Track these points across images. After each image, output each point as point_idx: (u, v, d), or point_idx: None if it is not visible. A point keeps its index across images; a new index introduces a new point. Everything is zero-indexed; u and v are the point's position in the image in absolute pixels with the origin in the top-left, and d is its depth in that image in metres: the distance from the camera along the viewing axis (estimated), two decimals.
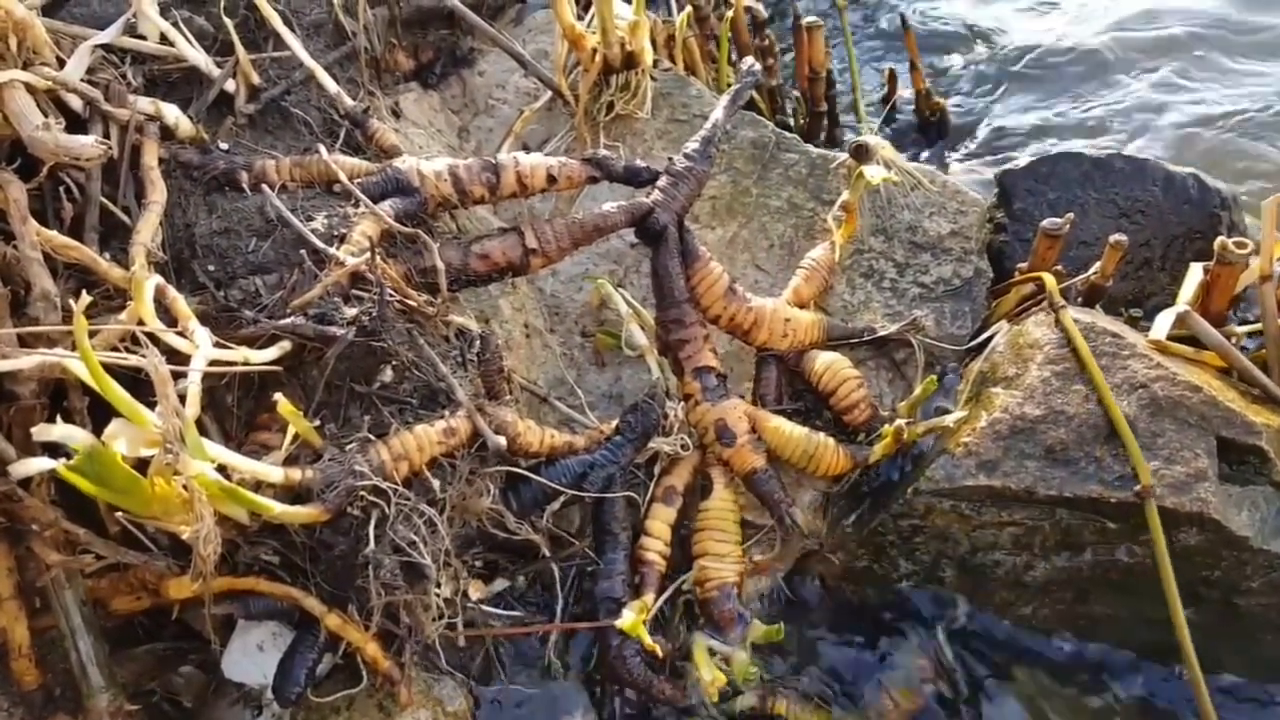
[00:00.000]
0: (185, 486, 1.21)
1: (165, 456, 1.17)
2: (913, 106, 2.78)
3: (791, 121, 2.63)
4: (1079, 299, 1.86)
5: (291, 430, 1.36)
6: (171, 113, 1.63)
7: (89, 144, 1.41)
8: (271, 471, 1.30)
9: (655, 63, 2.03)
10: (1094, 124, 2.45)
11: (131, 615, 1.53)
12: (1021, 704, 1.72)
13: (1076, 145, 2.12)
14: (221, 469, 1.24)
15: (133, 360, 1.24)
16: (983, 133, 2.55)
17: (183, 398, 1.25)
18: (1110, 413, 1.55)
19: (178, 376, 1.27)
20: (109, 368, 1.25)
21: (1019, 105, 2.61)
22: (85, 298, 1.10)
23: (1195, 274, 1.78)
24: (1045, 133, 2.50)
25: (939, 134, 2.70)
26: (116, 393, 1.16)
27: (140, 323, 1.33)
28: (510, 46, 2.00)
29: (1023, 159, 2.12)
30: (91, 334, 1.34)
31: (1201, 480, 1.52)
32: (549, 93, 2.02)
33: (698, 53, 2.24)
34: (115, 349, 1.32)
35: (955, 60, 2.84)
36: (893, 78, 2.79)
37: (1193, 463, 1.53)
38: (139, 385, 1.22)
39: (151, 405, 1.19)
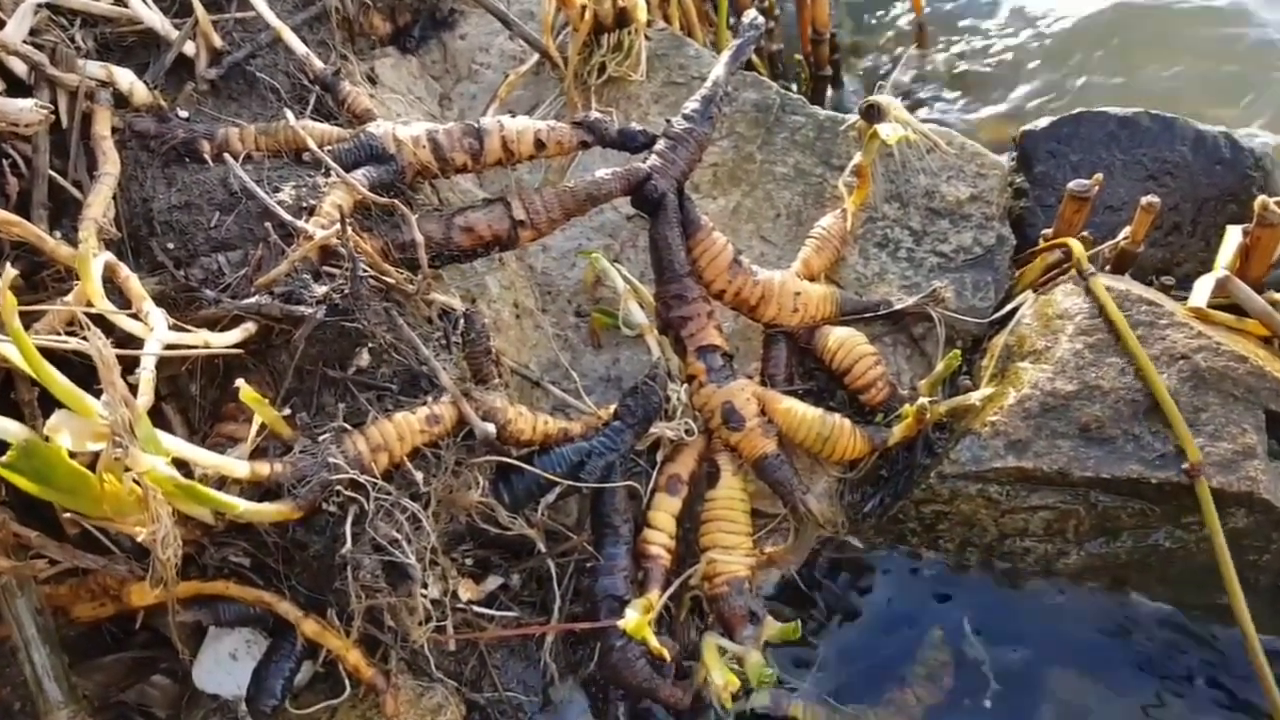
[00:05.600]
0: (138, 483, 1.10)
1: (114, 450, 1.06)
2: (920, 68, 2.65)
3: (794, 87, 2.51)
4: (1106, 266, 1.75)
5: (258, 420, 1.24)
6: (125, 78, 1.51)
7: (28, 108, 1.29)
8: (236, 465, 1.19)
9: (649, 23, 1.91)
10: (1119, 82, 2.32)
11: (96, 622, 1.43)
12: (1050, 698, 1.62)
13: (1100, 104, 1.99)
14: (180, 463, 1.13)
15: (75, 344, 1.12)
16: (997, 93, 2.42)
17: (135, 387, 1.13)
18: (1152, 385, 1.44)
19: (131, 362, 1.16)
20: (55, 354, 1.14)
21: (1036, 63, 2.49)
22: (10, 271, 0.98)
23: (1234, 237, 1.67)
24: (1066, 92, 2.38)
25: (949, 95, 2.58)
26: (55, 379, 1.05)
27: (89, 304, 1.21)
28: (494, 6, 1.88)
29: (1043, 119, 1.99)
30: (35, 316, 1.23)
31: (1250, 457, 1.42)
32: (536, 55, 1.91)
33: (694, 13, 2.12)
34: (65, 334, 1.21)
35: (966, 17, 2.71)
36: (899, 39, 2.67)
37: (1240, 438, 1.43)
38: (96, 375, 1.10)
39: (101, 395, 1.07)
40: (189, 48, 1.61)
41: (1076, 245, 1.63)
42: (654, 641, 1.31)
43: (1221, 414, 1.44)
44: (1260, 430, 1.44)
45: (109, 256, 1.27)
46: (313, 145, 1.45)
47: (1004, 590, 1.60)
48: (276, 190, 1.41)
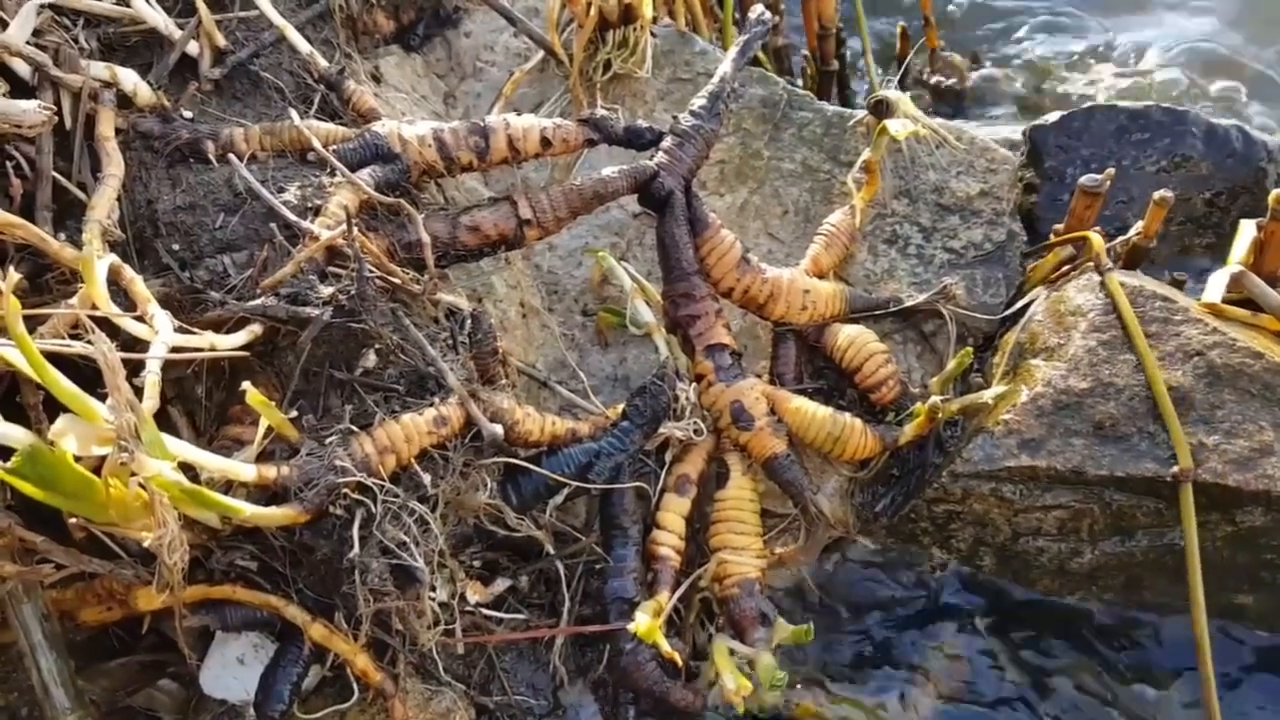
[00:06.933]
0: (144, 488, 1.09)
1: (119, 455, 1.05)
2: (927, 65, 2.63)
3: (800, 82, 2.49)
4: (1118, 262, 1.72)
5: (264, 423, 1.23)
6: (129, 79, 1.50)
7: (31, 109, 1.28)
8: (242, 469, 1.18)
9: (655, 19, 1.89)
10: (1129, 75, 2.30)
11: (103, 626, 1.42)
12: (1063, 696, 1.61)
13: (1110, 98, 1.97)
14: (186, 467, 1.12)
15: (79, 348, 1.11)
16: (1007, 87, 2.40)
17: (141, 390, 1.12)
18: (1152, 385, 1.42)
19: (137, 365, 1.15)
20: (59, 358, 1.13)
21: (1045, 56, 2.46)
22: (13, 275, 0.97)
23: (1247, 231, 1.65)
24: (1075, 86, 2.36)
25: (956, 93, 2.56)
26: (59, 383, 1.04)
27: (94, 307, 1.21)
28: (498, 3, 1.87)
29: (1053, 113, 1.97)
30: (39, 319, 1.22)
31: (1267, 455, 1.40)
32: (541, 52, 1.89)
33: (700, 9, 2.10)
34: (71, 339, 1.20)
35: (974, 10, 2.69)
36: (904, 35, 2.64)
37: (1256, 436, 1.41)
38: (101, 378, 1.09)
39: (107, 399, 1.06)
40: (192, 47, 1.60)
41: (1096, 239, 1.61)
42: (665, 645, 1.29)
43: (1238, 411, 1.42)
44: (1277, 427, 1.42)
45: (113, 259, 1.26)
46: (318, 145, 1.44)
47: (1017, 588, 1.58)
48: (281, 190, 1.40)
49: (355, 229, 1.30)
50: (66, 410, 1.07)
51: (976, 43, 2.66)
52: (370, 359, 1.34)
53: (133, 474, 1.06)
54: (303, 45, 1.62)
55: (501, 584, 1.44)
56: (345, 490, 1.21)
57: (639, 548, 1.44)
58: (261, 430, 1.24)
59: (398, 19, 1.91)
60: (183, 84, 1.59)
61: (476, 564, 1.42)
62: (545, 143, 1.51)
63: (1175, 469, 1.38)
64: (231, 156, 1.43)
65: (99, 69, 1.48)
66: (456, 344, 1.40)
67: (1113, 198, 1.84)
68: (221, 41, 1.62)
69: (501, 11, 1.87)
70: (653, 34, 1.87)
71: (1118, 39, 2.53)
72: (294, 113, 1.51)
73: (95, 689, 1.42)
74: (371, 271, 1.32)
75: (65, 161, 1.44)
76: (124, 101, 1.50)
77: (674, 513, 1.47)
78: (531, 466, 1.39)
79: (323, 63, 1.62)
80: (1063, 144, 1.94)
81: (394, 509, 1.24)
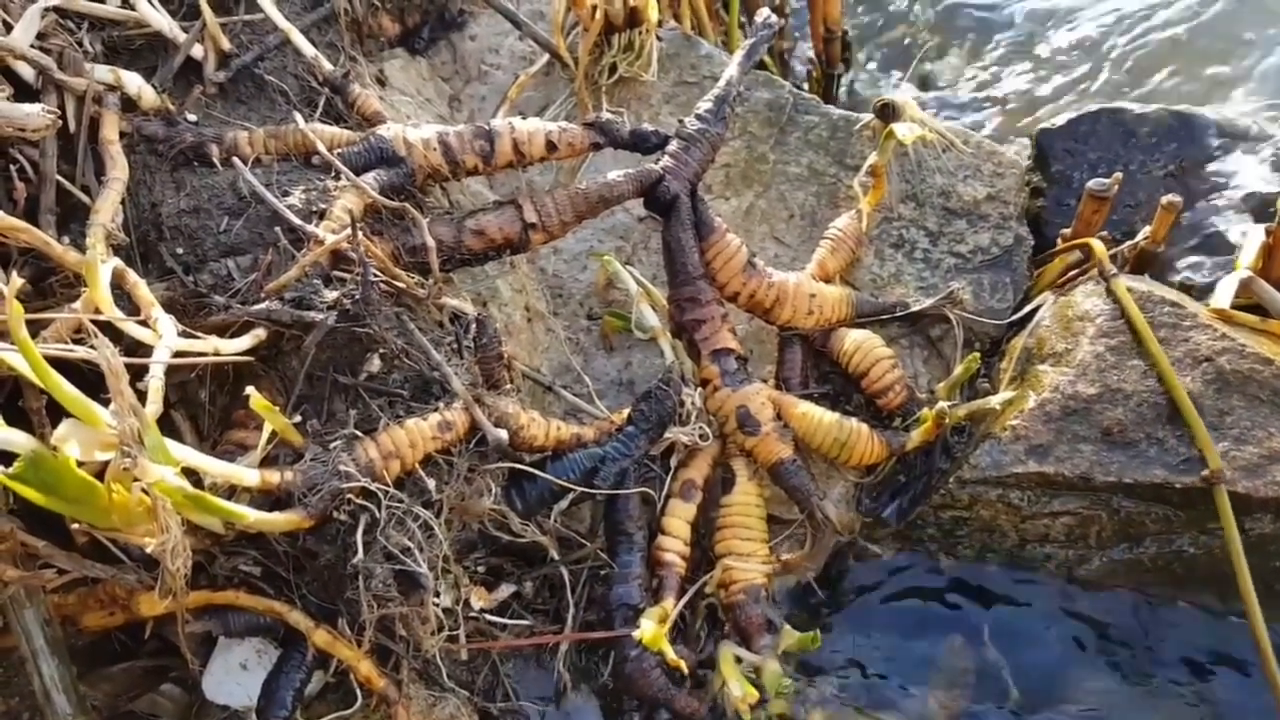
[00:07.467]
0: (147, 493, 1.08)
1: (122, 460, 1.04)
2: (935, 66, 2.62)
3: (805, 86, 2.48)
4: (1126, 266, 1.72)
5: (268, 427, 1.22)
6: (133, 82, 1.50)
7: (35, 113, 1.27)
8: (246, 474, 1.17)
9: (660, 22, 1.89)
10: (1136, 82, 2.29)
11: (105, 631, 1.42)
12: (1070, 705, 1.60)
13: (1119, 100, 1.96)
14: (189, 472, 1.11)
15: (82, 352, 1.11)
16: (1013, 90, 2.39)
17: (144, 395, 1.12)
18: (1172, 390, 1.41)
19: (140, 370, 1.14)
20: (62, 362, 1.12)
21: (1052, 59, 2.45)
22: (16, 280, 0.96)
23: (1256, 236, 1.64)
24: (1081, 90, 2.35)
25: (964, 93, 2.55)
26: (63, 388, 1.03)
27: (97, 311, 1.20)
28: (503, 6, 1.86)
29: (1060, 117, 1.96)
30: (42, 324, 1.22)
31: (1276, 462, 1.39)
32: (546, 56, 1.89)
33: (705, 12, 2.10)
34: (75, 343, 1.20)
35: (981, 14, 2.68)
36: (913, 37, 2.64)
37: (1266, 443, 1.40)
38: (104, 383, 1.08)
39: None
40: (197, 50, 1.60)
41: (1098, 245, 1.60)
42: (671, 653, 1.29)
43: (1246, 417, 1.42)
44: None
45: (117, 262, 1.26)
46: (322, 148, 1.43)
47: (1025, 596, 1.57)
48: (286, 194, 1.39)
49: (360, 233, 1.29)
50: (69, 415, 1.07)
51: (982, 45, 2.65)
52: (375, 363, 1.33)
53: (135, 479, 1.06)
54: (307, 48, 1.62)
55: (506, 590, 1.43)
56: (349, 495, 1.21)
57: (644, 554, 1.44)
58: (265, 435, 1.24)
59: (403, 22, 1.90)
60: (187, 87, 1.58)
61: (481, 569, 1.41)
62: (550, 146, 1.51)
63: (1206, 472, 1.37)
64: (236, 160, 1.43)
65: (103, 72, 1.48)
66: (461, 348, 1.40)
67: (1120, 202, 1.83)
68: (226, 45, 1.61)
69: (506, 15, 1.87)
70: (658, 37, 1.87)
71: (1124, 41, 2.52)
72: (298, 116, 1.51)
73: (97, 694, 1.42)
74: (376, 276, 1.31)
75: (69, 165, 1.44)
76: (128, 105, 1.49)
77: (679, 518, 1.46)
78: (536, 472, 1.38)
79: (327, 66, 1.62)
80: (1070, 148, 1.93)
81: (398, 514, 1.24)
